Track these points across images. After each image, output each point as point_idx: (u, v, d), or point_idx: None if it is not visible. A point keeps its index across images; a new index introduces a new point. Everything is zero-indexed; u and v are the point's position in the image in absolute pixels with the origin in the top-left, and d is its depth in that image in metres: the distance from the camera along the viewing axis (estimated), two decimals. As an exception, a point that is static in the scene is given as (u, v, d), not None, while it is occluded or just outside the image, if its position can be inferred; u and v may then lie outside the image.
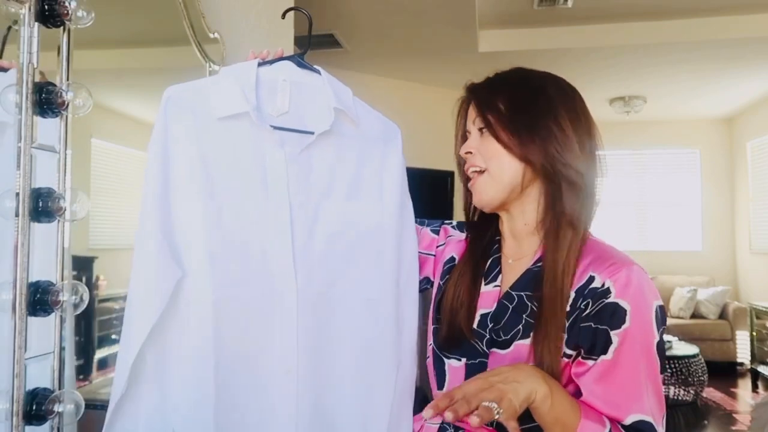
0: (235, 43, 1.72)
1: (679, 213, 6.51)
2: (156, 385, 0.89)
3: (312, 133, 0.97)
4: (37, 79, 0.81)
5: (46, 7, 0.82)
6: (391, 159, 1.05)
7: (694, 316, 5.73)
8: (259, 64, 0.98)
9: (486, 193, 0.98)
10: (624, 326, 0.86)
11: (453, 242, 1.10)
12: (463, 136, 1.04)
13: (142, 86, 1.50)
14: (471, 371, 0.95)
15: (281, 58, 1.01)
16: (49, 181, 0.84)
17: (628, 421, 0.86)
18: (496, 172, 0.97)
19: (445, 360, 0.99)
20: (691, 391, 4.45)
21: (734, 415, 4.33)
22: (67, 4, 0.84)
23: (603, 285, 0.88)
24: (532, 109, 0.96)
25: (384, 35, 4.01)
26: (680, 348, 4.66)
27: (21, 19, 0.79)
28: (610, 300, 0.87)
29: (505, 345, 0.93)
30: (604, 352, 0.86)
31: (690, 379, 4.43)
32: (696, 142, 6.50)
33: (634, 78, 4.95)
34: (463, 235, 1.10)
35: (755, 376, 5.18)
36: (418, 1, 3.47)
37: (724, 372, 5.39)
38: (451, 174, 3.76)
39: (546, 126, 0.94)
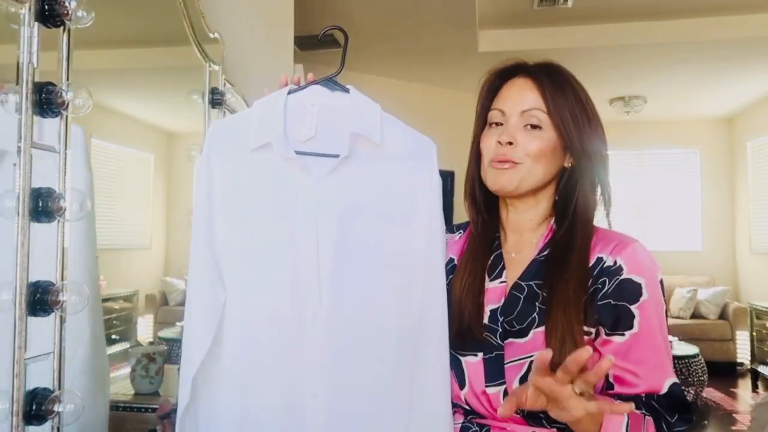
0: (235, 43, 1.72)
1: (679, 213, 6.50)
2: (199, 402, 0.95)
3: (337, 156, 0.97)
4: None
5: (46, 7, 0.82)
6: (422, 179, 1.00)
7: (694, 316, 5.73)
8: (290, 92, 1.00)
9: (512, 182, 0.99)
10: (642, 299, 0.92)
11: (450, 245, 1.10)
12: (483, 119, 1.04)
13: (142, 86, 1.50)
14: (489, 365, 0.97)
15: (312, 83, 1.01)
16: (49, 181, 0.84)
17: (665, 388, 0.91)
18: (533, 169, 0.98)
19: (461, 358, 1.00)
20: (691, 391, 4.45)
21: (734, 415, 4.33)
22: (67, 4, 0.84)
23: (615, 263, 0.94)
24: (590, 120, 1.00)
25: (384, 35, 4.01)
26: (680, 348, 4.66)
27: (21, 19, 0.79)
28: (623, 276, 0.93)
29: (522, 334, 0.95)
30: (630, 326, 0.92)
31: (690, 379, 4.43)
32: (696, 142, 6.50)
33: (634, 78, 4.95)
34: (457, 236, 1.12)
35: (755, 376, 5.18)
36: (418, 1, 3.47)
37: (724, 372, 5.39)
38: (451, 174, 3.75)
39: (596, 138, 1.00)
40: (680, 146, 6.55)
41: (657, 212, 6.52)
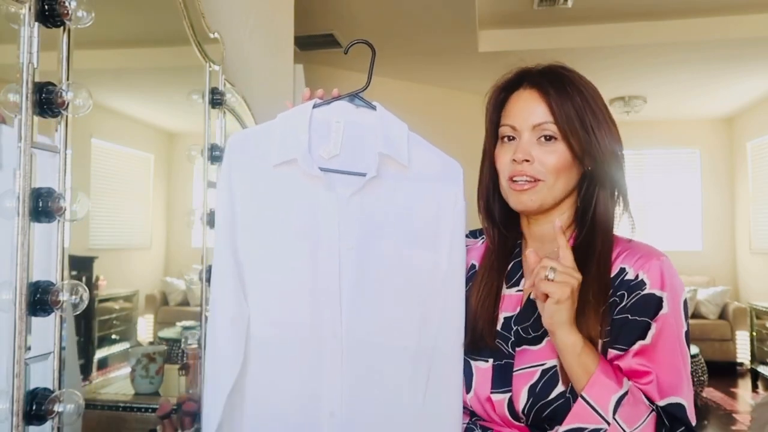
0: (235, 43, 1.72)
1: (679, 213, 6.51)
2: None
3: (364, 174, 0.96)
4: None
5: (46, 7, 0.82)
6: (447, 202, 0.99)
7: (694, 316, 5.72)
8: (315, 106, 0.98)
9: (535, 202, 0.96)
10: (661, 312, 0.89)
11: (471, 250, 1.10)
12: (494, 134, 1.01)
13: (142, 86, 1.50)
14: (498, 372, 0.96)
15: (337, 98, 1.00)
16: (49, 181, 0.84)
17: (662, 402, 0.87)
18: (554, 183, 0.96)
19: (472, 362, 0.99)
20: (691, 391, 4.45)
21: (734, 415, 4.33)
22: (67, 4, 0.84)
23: (636, 277, 0.91)
24: (600, 123, 0.96)
25: (384, 35, 4.01)
26: (680, 348, 4.66)
27: (21, 19, 0.79)
28: (645, 291, 0.90)
29: (536, 341, 0.95)
30: (643, 338, 0.88)
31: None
32: (696, 142, 6.50)
33: (634, 78, 4.95)
34: (479, 241, 1.10)
35: (755, 376, 5.18)
36: (418, 2, 3.47)
37: (724, 372, 5.39)
38: (451, 174, 3.75)
39: (609, 138, 0.96)
40: (680, 146, 6.55)
41: (657, 212, 6.52)
